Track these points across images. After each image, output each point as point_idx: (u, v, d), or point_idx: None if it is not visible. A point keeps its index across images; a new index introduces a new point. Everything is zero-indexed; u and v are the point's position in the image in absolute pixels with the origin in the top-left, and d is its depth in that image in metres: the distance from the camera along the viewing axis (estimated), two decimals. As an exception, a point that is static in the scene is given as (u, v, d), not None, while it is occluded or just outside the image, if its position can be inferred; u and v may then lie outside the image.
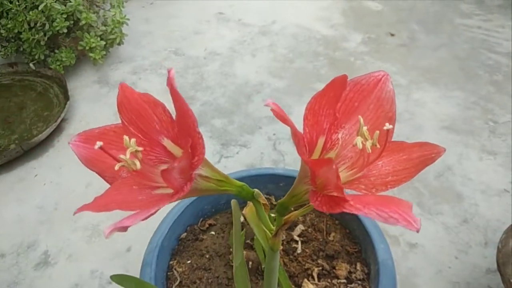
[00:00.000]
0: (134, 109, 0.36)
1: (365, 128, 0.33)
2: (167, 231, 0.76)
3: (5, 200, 1.16)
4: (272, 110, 0.31)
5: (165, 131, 0.36)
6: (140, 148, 0.32)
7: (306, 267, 0.74)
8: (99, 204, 0.32)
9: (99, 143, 0.31)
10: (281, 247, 0.78)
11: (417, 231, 0.27)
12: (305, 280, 0.72)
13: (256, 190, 0.41)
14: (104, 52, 1.53)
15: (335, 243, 0.77)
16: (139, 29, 1.82)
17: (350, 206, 0.30)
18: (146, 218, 0.29)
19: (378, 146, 0.33)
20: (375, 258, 0.70)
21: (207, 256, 0.76)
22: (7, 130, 1.33)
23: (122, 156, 0.32)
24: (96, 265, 1.00)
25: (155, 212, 0.30)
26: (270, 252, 0.47)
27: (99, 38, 1.51)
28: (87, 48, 1.49)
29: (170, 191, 0.33)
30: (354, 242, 0.77)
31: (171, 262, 0.75)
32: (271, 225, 0.45)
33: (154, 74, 1.56)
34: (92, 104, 1.46)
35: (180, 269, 0.74)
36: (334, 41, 1.70)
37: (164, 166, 0.36)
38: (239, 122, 1.34)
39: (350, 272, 0.72)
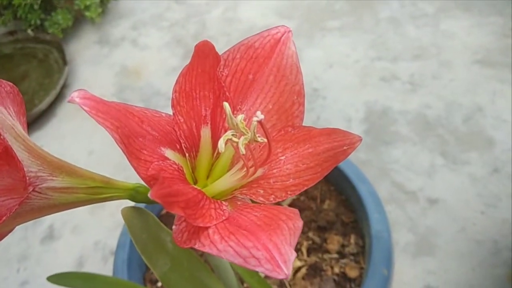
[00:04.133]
0: None
1: (240, 117, 0.23)
2: (143, 207, 0.70)
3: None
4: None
5: None
6: None
7: (295, 241, 0.66)
8: None
9: None
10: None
11: (286, 278, 0.19)
12: (292, 256, 0.64)
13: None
14: (100, 9, 1.44)
15: (329, 212, 0.68)
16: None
17: (205, 237, 0.22)
18: None
19: (260, 140, 0.23)
20: (368, 230, 0.61)
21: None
22: (11, 103, 1.31)
23: None
24: (99, 236, 0.99)
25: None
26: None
27: (93, -5, 1.42)
28: (82, 7, 1.41)
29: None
30: (350, 210, 0.68)
31: (150, 242, 0.70)
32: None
33: (154, 28, 1.45)
34: (94, 66, 1.40)
35: (160, 249, 0.69)
36: (352, -31, 1.50)
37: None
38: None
39: (343, 246, 0.64)
